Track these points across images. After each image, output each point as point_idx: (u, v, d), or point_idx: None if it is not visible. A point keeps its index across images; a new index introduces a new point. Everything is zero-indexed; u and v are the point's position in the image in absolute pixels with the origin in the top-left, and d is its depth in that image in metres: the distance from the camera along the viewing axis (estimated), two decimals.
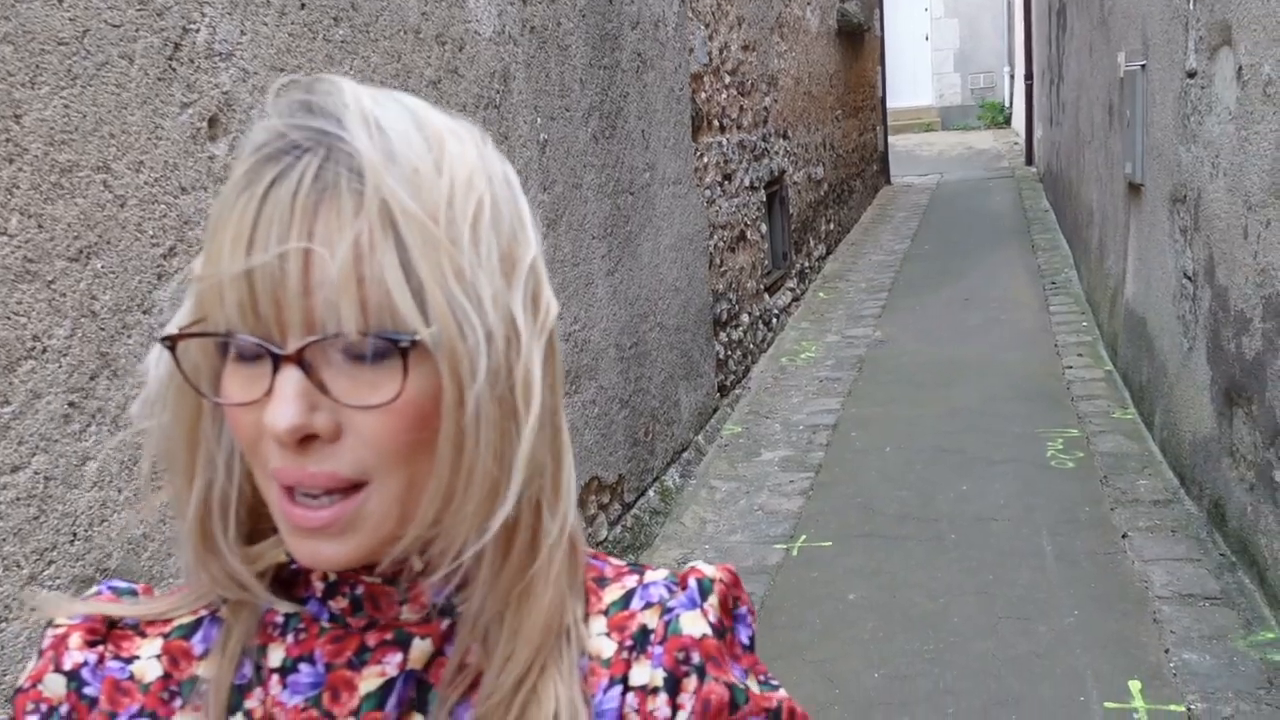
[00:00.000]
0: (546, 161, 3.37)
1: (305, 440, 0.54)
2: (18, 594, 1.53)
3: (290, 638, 0.62)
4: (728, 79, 5.62)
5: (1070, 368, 5.65)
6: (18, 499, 1.53)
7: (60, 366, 1.60)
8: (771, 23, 6.67)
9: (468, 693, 0.60)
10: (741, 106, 5.89)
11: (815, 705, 2.89)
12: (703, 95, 5.14)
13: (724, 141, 5.51)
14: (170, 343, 0.57)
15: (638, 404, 4.12)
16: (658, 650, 0.61)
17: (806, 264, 7.78)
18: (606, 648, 0.62)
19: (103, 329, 1.68)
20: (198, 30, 1.88)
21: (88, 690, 0.64)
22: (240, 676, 0.63)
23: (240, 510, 0.62)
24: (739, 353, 5.72)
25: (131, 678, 0.64)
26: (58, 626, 0.66)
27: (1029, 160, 13.00)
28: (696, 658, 0.61)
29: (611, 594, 0.65)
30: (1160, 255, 4.38)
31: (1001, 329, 6.53)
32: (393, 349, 0.53)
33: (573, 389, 3.54)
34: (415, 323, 0.53)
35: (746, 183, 5.94)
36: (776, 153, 6.73)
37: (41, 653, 0.65)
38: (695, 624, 0.62)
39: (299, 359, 0.53)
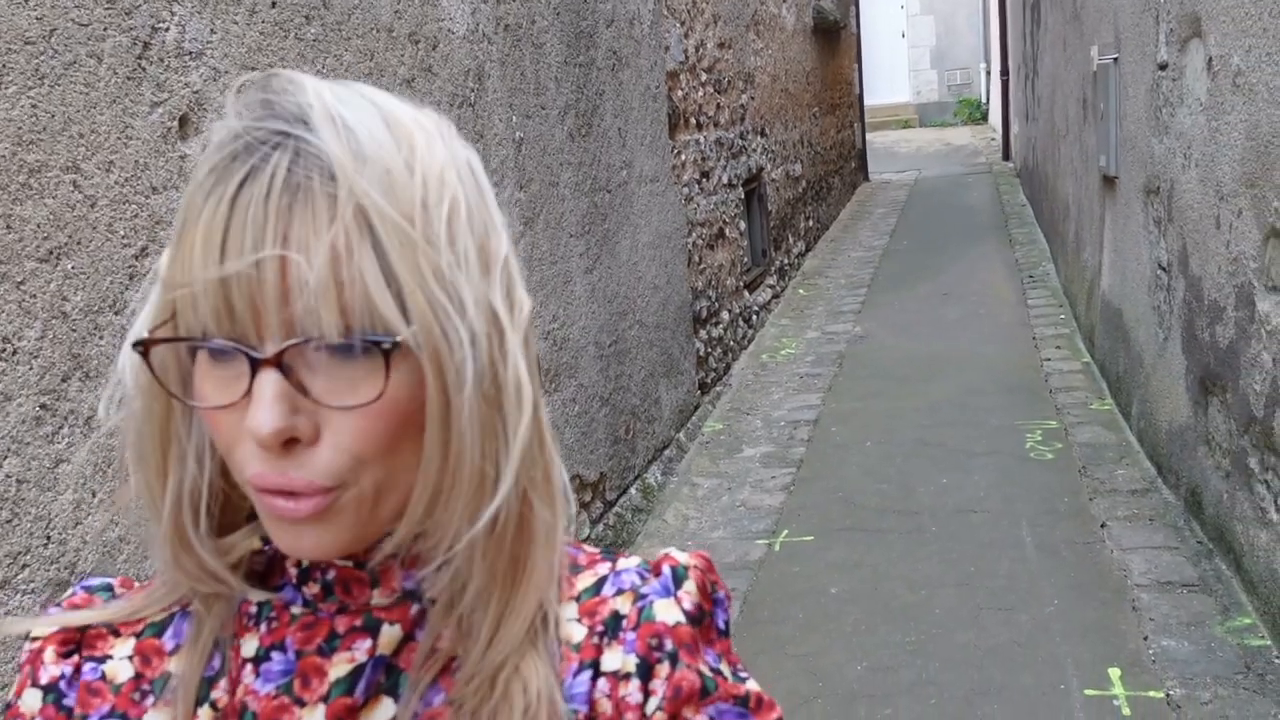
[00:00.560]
0: (522, 160, 3.37)
1: (287, 443, 0.54)
2: None
3: (263, 627, 0.62)
4: (704, 76, 5.63)
5: (1048, 360, 5.68)
6: None
7: (31, 368, 1.59)
8: (747, 20, 6.68)
9: (439, 676, 0.61)
10: (718, 104, 5.89)
11: (798, 699, 2.90)
12: (679, 93, 5.15)
13: (701, 139, 5.51)
14: (143, 348, 0.56)
15: (618, 402, 4.12)
16: (630, 636, 0.61)
17: (786, 261, 7.80)
18: (577, 633, 0.63)
19: (74, 330, 1.66)
20: (167, 29, 1.87)
21: (66, 701, 0.64)
22: (209, 669, 0.63)
23: (212, 504, 0.62)
24: (719, 350, 5.73)
25: (103, 678, 0.65)
26: (34, 640, 0.66)
27: (1006, 155, 13.07)
28: (669, 644, 0.61)
29: (584, 581, 0.65)
30: (1135, 247, 4.41)
31: (980, 323, 6.57)
32: (374, 350, 0.53)
33: (552, 387, 3.53)
34: (397, 324, 0.53)
35: (724, 180, 5.95)
36: (754, 150, 6.74)
37: (21, 668, 0.66)
38: (669, 611, 0.62)
39: (278, 362, 0.53)
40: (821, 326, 6.88)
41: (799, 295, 7.71)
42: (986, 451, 4.52)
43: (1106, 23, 4.90)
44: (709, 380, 5.46)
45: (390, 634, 0.61)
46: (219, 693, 0.62)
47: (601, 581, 0.65)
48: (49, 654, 0.65)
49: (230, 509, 0.63)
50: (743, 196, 6.39)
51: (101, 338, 1.71)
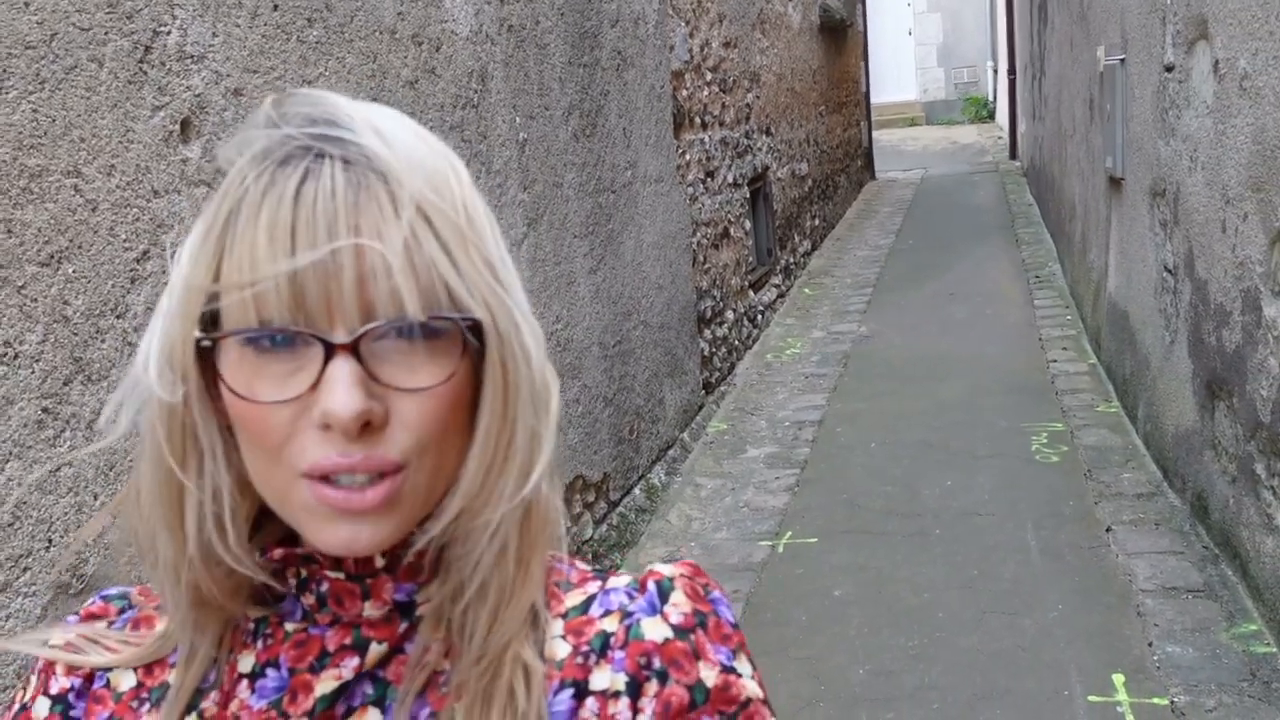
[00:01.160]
0: (526, 160, 3.36)
1: (362, 428, 0.56)
2: None
3: (259, 644, 0.64)
4: (709, 76, 5.62)
5: (1054, 362, 5.67)
6: None
7: (33, 372, 1.59)
8: (753, 19, 6.66)
9: (425, 689, 0.62)
10: (724, 103, 5.88)
11: (800, 701, 2.89)
12: (684, 92, 5.14)
13: (706, 139, 5.50)
14: (210, 343, 0.57)
15: (622, 402, 4.11)
16: (619, 655, 0.62)
17: (791, 260, 7.78)
18: (561, 650, 0.64)
19: (75, 334, 1.66)
20: (168, 33, 1.87)
21: (73, 713, 0.67)
22: (204, 681, 0.65)
23: (236, 520, 0.62)
24: (724, 349, 5.73)
25: (107, 685, 0.67)
26: (52, 648, 0.68)
27: (1013, 154, 13.03)
28: (658, 662, 0.62)
29: (572, 599, 0.66)
30: (1141, 249, 4.40)
31: (986, 323, 6.55)
32: (447, 331, 0.57)
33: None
34: (469, 306, 0.57)
35: (729, 179, 5.94)
36: (760, 149, 6.73)
37: (36, 672, 0.69)
38: (656, 629, 0.63)
39: (354, 348, 0.55)
40: (827, 326, 6.87)
41: (804, 295, 7.69)
42: (992, 454, 4.51)
43: (1113, 23, 4.88)
44: (713, 380, 5.46)
45: (377, 652, 0.62)
46: (208, 704, 0.64)
47: (590, 600, 0.66)
48: (60, 666, 0.67)
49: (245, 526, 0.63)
50: (748, 196, 6.38)
51: (103, 341, 1.71)
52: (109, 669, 0.67)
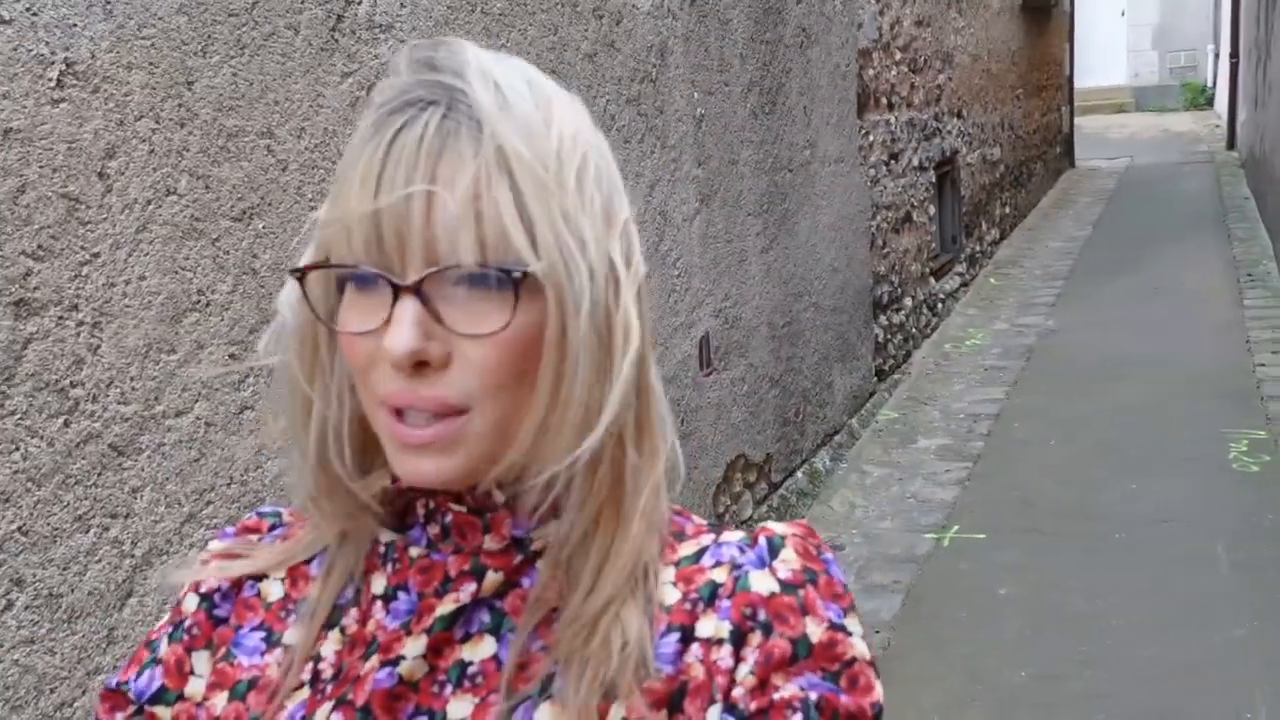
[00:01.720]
0: (702, 136, 3.36)
1: (418, 366, 0.59)
2: (178, 529, 1.64)
3: (389, 567, 0.67)
4: (898, 55, 5.46)
5: (1262, 365, 5.26)
6: (180, 441, 1.64)
7: (222, 320, 1.70)
8: None
9: (539, 625, 0.64)
10: (912, 84, 5.71)
11: (955, 699, 2.81)
12: (870, 72, 5.02)
13: (892, 120, 5.36)
14: (300, 275, 0.63)
15: (789, 384, 4.07)
16: (725, 604, 0.63)
17: (978, 248, 7.50)
18: (670, 595, 0.65)
19: (262, 286, 1.77)
20: (360, 3, 1.96)
21: (218, 612, 0.72)
22: (343, 598, 0.69)
23: (352, 441, 0.66)
24: (899, 337, 5.58)
25: (258, 594, 0.72)
26: (207, 554, 0.74)
27: (1230, 145, 12.14)
28: (763, 615, 0.62)
29: (686, 549, 0.67)
30: None
31: (1187, 322, 6.14)
32: (505, 280, 0.58)
33: (722, 366, 3.53)
34: (527, 257, 0.58)
35: (915, 163, 5.77)
36: (949, 132, 6.51)
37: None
38: (763, 582, 0.63)
39: (417, 289, 0.58)
40: (1011, 318, 6.59)
41: (989, 285, 7.41)
42: (1184, 459, 4.23)
43: None
44: (887, 367, 5.33)
45: (493, 579, 0.65)
46: (349, 620, 0.68)
47: (702, 551, 0.67)
48: (213, 565, 0.73)
49: (366, 449, 0.67)
50: (934, 180, 6.19)
51: None
52: (258, 578, 0.72)
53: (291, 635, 0.69)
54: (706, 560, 0.66)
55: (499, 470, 0.62)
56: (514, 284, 0.58)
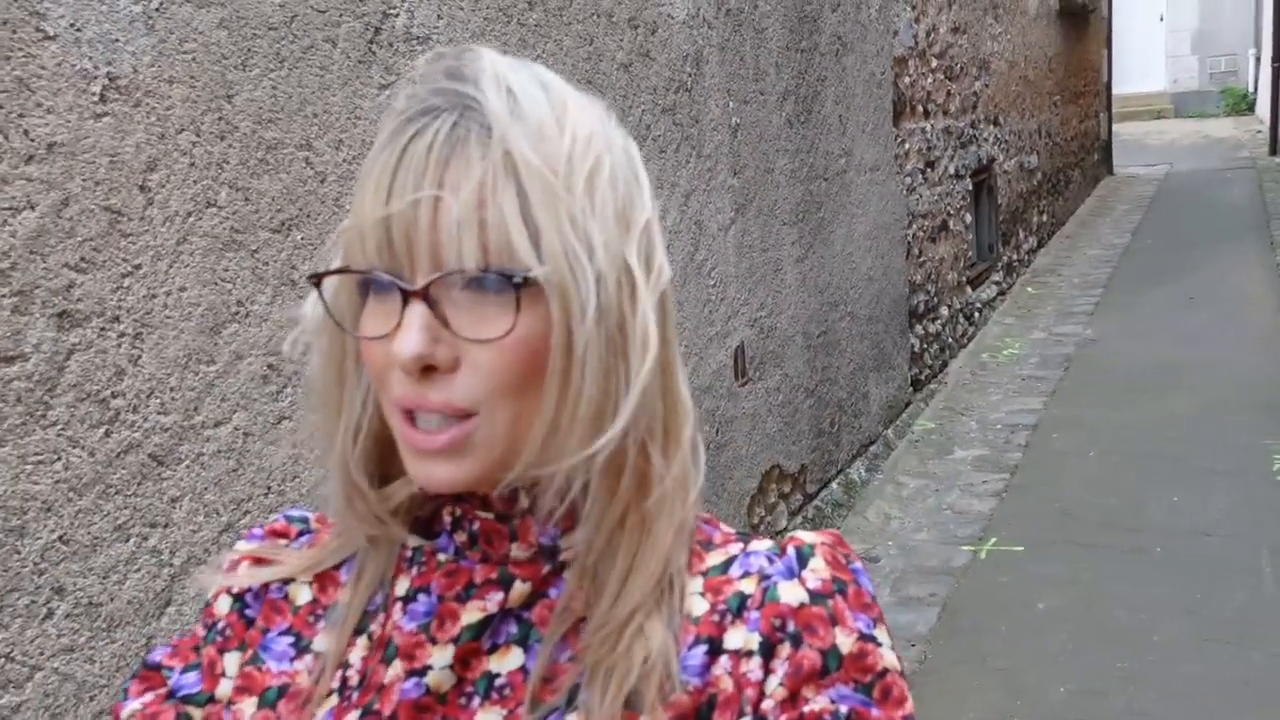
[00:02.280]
0: (738, 145, 3.35)
1: (426, 370, 0.59)
2: (216, 539, 1.65)
3: (414, 570, 0.67)
4: (934, 63, 5.43)
5: None
6: (219, 451, 1.65)
7: (261, 330, 1.71)
8: (985, 3, 6.39)
9: (567, 635, 0.64)
10: (949, 91, 5.67)
11: (994, 714, 2.77)
12: (906, 79, 4.99)
13: (928, 128, 5.32)
14: (316, 280, 0.64)
15: (824, 394, 4.05)
16: (754, 615, 0.62)
17: (1015, 257, 7.43)
18: (698, 606, 0.64)
19: (301, 298, 1.77)
20: (397, 15, 1.97)
21: (249, 612, 0.72)
22: (372, 604, 0.69)
23: (375, 449, 0.67)
24: (936, 346, 5.54)
25: (286, 598, 0.72)
26: (235, 554, 0.74)
27: (1273, 150, 11.96)
28: (792, 626, 0.62)
29: (714, 558, 0.67)
30: None
31: (1230, 330, 6.04)
32: (506, 285, 0.58)
33: (757, 375, 3.51)
34: (530, 262, 0.58)
35: (951, 171, 5.73)
36: (985, 140, 6.45)
37: (224, 573, 0.75)
38: (792, 592, 0.63)
39: (425, 294, 0.58)
40: (1049, 327, 6.52)
41: (1027, 294, 7.33)
42: (1228, 470, 4.16)
43: None
44: (922, 377, 5.29)
45: (520, 590, 0.64)
46: (375, 625, 0.68)
47: (730, 561, 0.66)
48: (243, 568, 0.73)
49: (391, 459, 0.67)
50: (970, 188, 6.14)
51: None
52: (286, 581, 0.72)
53: (321, 641, 0.69)
54: (735, 570, 0.65)
55: (515, 475, 0.62)
56: (515, 289, 0.58)
